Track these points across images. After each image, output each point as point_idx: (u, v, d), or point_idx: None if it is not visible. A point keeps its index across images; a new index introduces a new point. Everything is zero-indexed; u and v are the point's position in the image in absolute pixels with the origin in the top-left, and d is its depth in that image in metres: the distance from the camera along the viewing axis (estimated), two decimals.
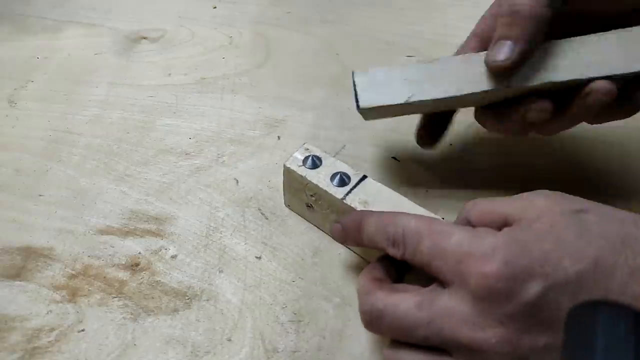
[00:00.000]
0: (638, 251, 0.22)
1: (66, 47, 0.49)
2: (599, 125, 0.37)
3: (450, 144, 0.41)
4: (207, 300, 0.31)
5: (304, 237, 0.34)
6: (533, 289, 0.22)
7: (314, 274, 0.32)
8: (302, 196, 0.33)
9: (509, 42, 0.30)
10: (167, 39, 0.50)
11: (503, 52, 0.30)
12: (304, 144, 0.33)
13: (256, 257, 0.33)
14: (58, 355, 0.28)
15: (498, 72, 0.30)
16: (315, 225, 0.35)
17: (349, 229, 0.29)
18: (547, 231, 0.23)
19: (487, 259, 0.23)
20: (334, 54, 0.49)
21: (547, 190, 0.25)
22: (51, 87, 0.45)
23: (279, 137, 0.41)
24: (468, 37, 0.35)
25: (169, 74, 0.47)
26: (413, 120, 0.43)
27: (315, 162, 0.32)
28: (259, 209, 0.36)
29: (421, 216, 0.27)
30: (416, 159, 0.39)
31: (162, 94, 0.45)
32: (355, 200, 0.30)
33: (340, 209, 0.31)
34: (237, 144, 0.40)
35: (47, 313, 0.30)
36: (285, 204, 0.36)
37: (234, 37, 0.51)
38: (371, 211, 0.29)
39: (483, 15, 0.34)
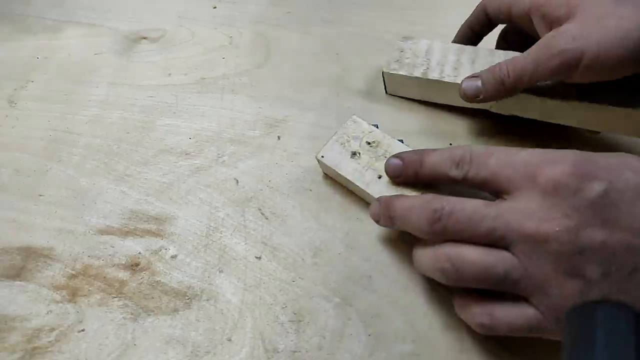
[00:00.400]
0: None
1: (66, 47, 0.49)
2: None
3: (450, 144, 0.41)
4: (207, 300, 0.31)
5: (304, 237, 0.34)
6: (597, 187, 0.24)
7: (314, 274, 0.32)
8: (355, 144, 0.36)
9: (480, 87, 0.37)
10: (167, 39, 0.50)
11: (471, 89, 0.37)
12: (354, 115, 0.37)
13: (256, 257, 0.33)
14: (58, 355, 0.28)
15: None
16: (344, 180, 0.35)
17: (409, 160, 0.32)
18: (609, 154, 0.26)
19: (557, 162, 0.26)
20: (334, 54, 0.49)
21: None
22: (51, 87, 0.45)
23: (279, 137, 0.41)
24: (462, 26, 0.43)
25: (169, 74, 0.47)
26: (412, 120, 0.43)
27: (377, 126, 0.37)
28: (259, 209, 0.36)
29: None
30: None
31: (162, 94, 0.45)
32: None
33: (388, 154, 0.35)
34: (237, 144, 0.40)
35: (47, 313, 0.30)
36: (318, 157, 0.36)
37: (234, 37, 0.51)
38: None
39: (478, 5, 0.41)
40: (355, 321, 0.30)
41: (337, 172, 0.35)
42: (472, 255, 0.26)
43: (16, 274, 0.32)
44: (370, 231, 0.34)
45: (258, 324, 0.30)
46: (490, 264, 0.26)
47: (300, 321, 0.30)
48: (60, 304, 0.31)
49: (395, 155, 0.33)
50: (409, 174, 0.32)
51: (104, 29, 0.51)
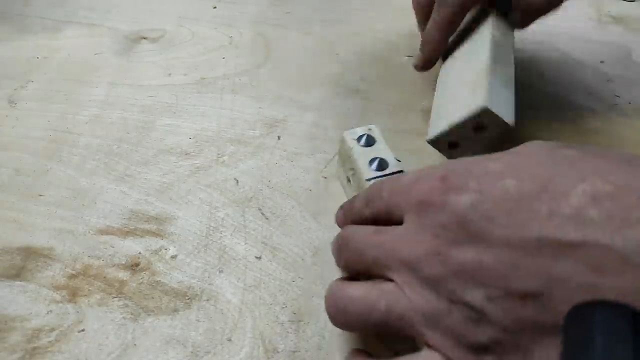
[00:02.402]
0: (611, 180, 0.20)
1: (66, 47, 0.49)
2: (599, 125, 0.37)
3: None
4: (207, 300, 0.31)
5: (304, 237, 0.34)
6: (464, 200, 0.21)
7: (313, 273, 0.32)
8: (345, 168, 0.35)
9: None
10: (167, 39, 0.50)
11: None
12: (372, 125, 0.35)
13: (256, 257, 0.33)
14: (58, 355, 0.29)
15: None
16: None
17: (345, 208, 0.30)
18: (504, 156, 0.23)
19: (427, 178, 0.23)
20: (334, 54, 0.49)
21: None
22: (51, 87, 0.45)
23: (279, 137, 0.41)
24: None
25: (169, 74, 0.47)
26: (413, 120, 0.43)
27: (369, 142, 0.34)
28: (259, 209, 0.36)
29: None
30: (416, 159, 0.39)
31: (162, 94, 0.45)
32: None
33: (363, 188, 0.32)
34: (237, 144, 0.40)
35: (47, 313, 0.30)
36: (335, 173, 0.38)
37: (234, 37, 0.51)
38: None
39: None
40: None
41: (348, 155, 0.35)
42: (355, 292, 0.24)
43: (16, 274, 0.32)
44: None
45: (258, 324, 0.30)
46: (373, 299, 0.23)
47: (300, 321, 0.30)
48: (60, 304, 0.31)
49: (341, 206, 0.30)
50: (349, 219, 0.29)
51: (104, 29, 0.51)
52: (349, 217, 0.29)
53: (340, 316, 0.25)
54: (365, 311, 0.24)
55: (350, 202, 0.29)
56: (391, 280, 0.24)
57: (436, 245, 0.22)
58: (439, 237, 0.22)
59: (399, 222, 0.24)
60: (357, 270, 0.26)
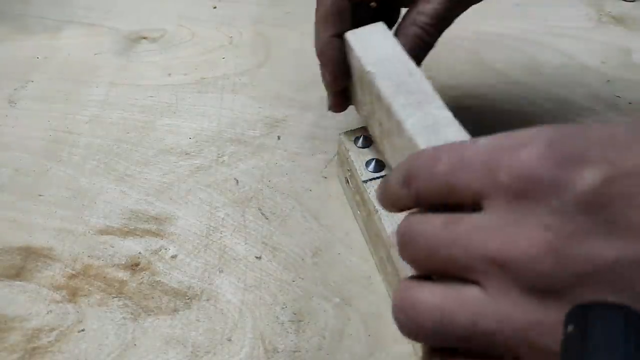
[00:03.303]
0: None
1: (66, 47, 0.49)
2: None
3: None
4: (207, 300, 0.31)
5: (304, 237, 0.34)
6: (590, 176, 0.16)
7: (314, 274, 0.32)
8: (344, 169, 0.35)
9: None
10: (167, 39, 0.50)
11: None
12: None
13: (256, 257, 0.33)
14: (58, 355, 0.28)
15: None
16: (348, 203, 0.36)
17: (381, 188, 0.24)
18: (605, 124, 0.18)
19: (523, 145, 0.17)
20: None
21: None
22: (51, 87, 0.45)
23: (279, 137, 0.41)
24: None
25: (169, 74, 0.47)
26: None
27: (366, 143, 0.34)
28: (259, 209, 0.36)
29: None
30: None
31: (162, 94, 0.45)
32: (373, 188, 0.31)
33: (360, 190, 0.32)
34: (237, 144, 0.40)
35: (47, 313, 0.30)
36: (336, 173, 0.38)
37: (234, 37, 0.51)
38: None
39: None
40: (355, 321, 0.30)
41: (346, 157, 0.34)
42: (427, 299, 0.19)
43: (16, 274, 0.32)
44: None
45: (258, 324, 0.30)
46: (451, 310, 0.18)
47: (300, 321, 0.30)
48: (60, 304, 0.31)
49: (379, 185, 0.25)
50: (387, 201, 0.24)
51: (104, 29, 0.51)
52: (387, 199, 0.23)
53: (411, 326, 0.19)
54: (442, 324, 0.18)
55: (385, 180, 0.23)
56: (474, 282, 0.18)
57: (549, 240, 0.16)
58: (550, 229, 0.16)
59: (469, 205, 0.19)
60: (428, 270, 0.20)
